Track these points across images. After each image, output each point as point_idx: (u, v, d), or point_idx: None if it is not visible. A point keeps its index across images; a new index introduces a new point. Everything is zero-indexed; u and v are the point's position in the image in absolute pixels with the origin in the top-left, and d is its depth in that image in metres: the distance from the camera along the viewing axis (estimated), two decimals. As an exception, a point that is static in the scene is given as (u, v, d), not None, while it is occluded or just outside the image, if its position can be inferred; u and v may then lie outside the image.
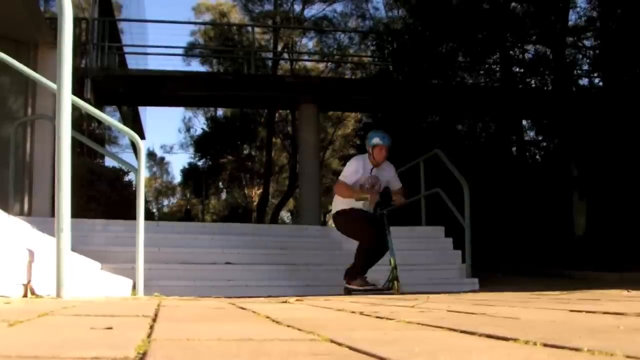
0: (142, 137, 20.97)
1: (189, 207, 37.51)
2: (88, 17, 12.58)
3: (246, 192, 32.34)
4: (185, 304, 2.69)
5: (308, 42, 26.46)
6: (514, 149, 15.53)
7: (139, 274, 4.56)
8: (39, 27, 8.50)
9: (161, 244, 6.04)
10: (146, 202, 11.20)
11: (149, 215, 23.25)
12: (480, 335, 1.31)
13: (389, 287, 5.33)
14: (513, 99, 13.64)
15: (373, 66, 17.80)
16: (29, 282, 2.66)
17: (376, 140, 5.70)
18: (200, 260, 6.20)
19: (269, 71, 21.83)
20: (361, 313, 2.06)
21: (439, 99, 13.74)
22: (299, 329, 1.46)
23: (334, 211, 5.96)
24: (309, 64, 25.86)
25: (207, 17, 29.32)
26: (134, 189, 9.39)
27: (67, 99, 2.94)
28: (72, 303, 2.39)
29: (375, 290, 5.34)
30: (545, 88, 13.97)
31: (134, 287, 4.59)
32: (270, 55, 24.86)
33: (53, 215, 3.01)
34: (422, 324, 1.62)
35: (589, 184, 12.28)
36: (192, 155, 30.26)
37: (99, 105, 11.50)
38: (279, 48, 24.77)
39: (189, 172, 30.04)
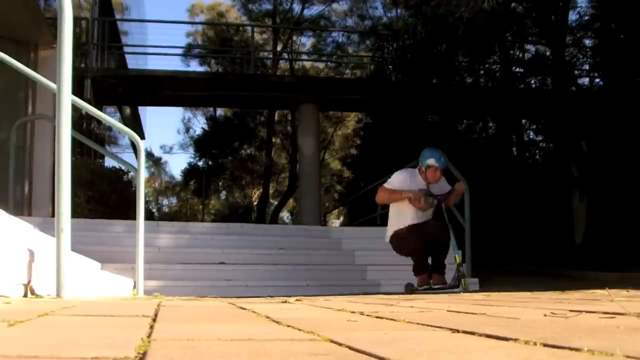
0: (142, 137, 20.95)
1: (188, 208, 37.52)
2: (88, 17, 12.58)
3: (246, 192, 32.34)
4: (185, 304, 2.68)
5: (307, 42, 26.45)
6: (514, 148, 15.53)
7: (139, 274, 4.56)
8: (39, 27, 8.49)
9: (161, 244, 6.05)
10: (146, 202, 11.20)
11: (149, 216, 23.26)
12: (480, 335, 1.31)
13: (456, 285, 5.10)
14: (513, 99, 13.64)
15: (372, 66, 17.80)
16: (29, 282, 2.66)
17: (431, 161, 5.34)
18: (200, 260, 6.20)
19: (269, 71, 21.82)
20: (361, 313, 2.06)
21: (438, 99, 13.74)
22: (299, 329, 1.46)
23: (390, 233, 5.45)
24: (307, 64, 25.84)
25: (202, 18, 29.30)
26: (134, 189, 9.38)
27: (67, 99, 2.94)
28: (72, 303, 2.39)
29: (442, 288, 5.08)
30: (545, 88, 13.98)
31: (134, 287, 4.59)
32: (269, 55, 24.85)
33: (53, 215, 3.00)
34: (422, 324, 1.62)
35: (589, 184, 12.28)
36: (192, 156, 30.24)
37: (99, 105, 11.49)
38: (279, 48, 24.76)
39: (189, 172, 30.00)
